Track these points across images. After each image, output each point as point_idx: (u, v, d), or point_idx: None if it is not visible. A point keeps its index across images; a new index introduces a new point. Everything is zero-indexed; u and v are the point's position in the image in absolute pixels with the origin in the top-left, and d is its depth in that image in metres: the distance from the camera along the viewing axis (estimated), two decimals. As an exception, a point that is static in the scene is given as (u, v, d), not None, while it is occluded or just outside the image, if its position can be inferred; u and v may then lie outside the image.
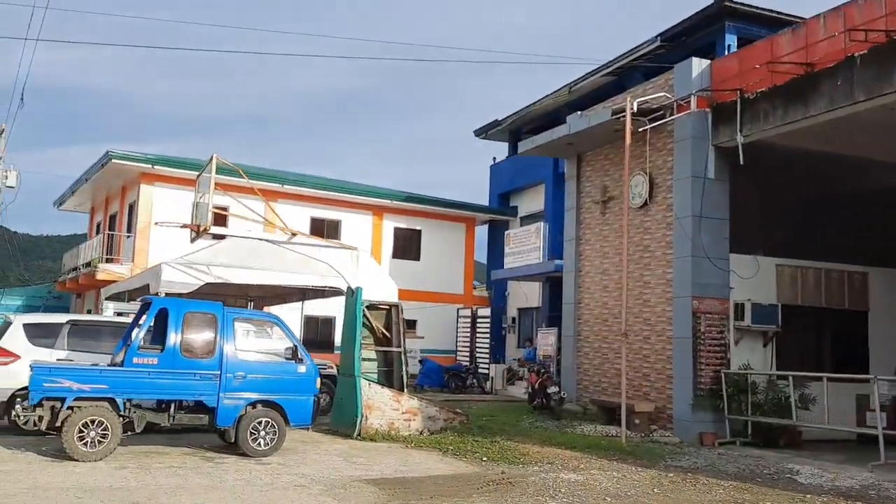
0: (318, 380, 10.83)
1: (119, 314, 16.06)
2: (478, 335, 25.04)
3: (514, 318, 26.46)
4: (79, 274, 24.36)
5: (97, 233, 27.03)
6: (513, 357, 23.29)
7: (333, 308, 19.35)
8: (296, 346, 10.67)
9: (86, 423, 9.17)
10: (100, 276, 21.72)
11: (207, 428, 10.30)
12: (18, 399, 10.72)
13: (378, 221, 26.06)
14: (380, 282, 13.78)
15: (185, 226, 12.86)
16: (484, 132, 28.45)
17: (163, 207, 21.76)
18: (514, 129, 27.64)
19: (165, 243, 20.92)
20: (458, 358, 25.42)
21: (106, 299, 17.42)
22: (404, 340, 13.50)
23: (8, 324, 11.86)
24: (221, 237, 13.92)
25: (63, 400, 9.22)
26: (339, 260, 13.60)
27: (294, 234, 13.72)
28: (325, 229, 23.82)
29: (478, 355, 24.73)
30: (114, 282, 19.19)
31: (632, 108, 12.72)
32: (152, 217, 21.98)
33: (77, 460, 9.05)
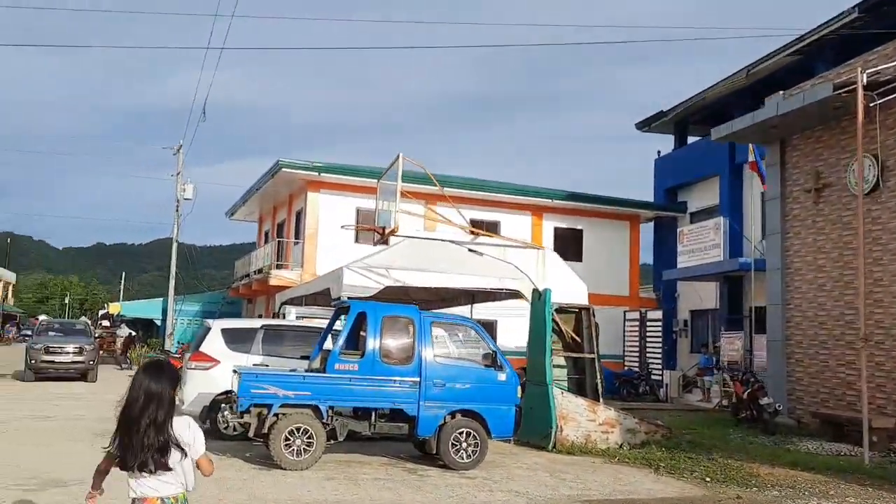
0: (520, 388, 10.13)
1: (300, 318, 16.19)
2: (648, 339, 23.58)
3: (685, 321, 24.73)
4: (251, 280, 25.28)
5: (266, 241, 28.01)
6: (698, 364, 21.75)
7: (496, 311, 18.66)
8: (495, 353, 10.01)
9: (292, 430, 8.93)
10: (272, 281, 22.32)
11: (407, 438, 9.84)
12: (222, 405, 10.83)
13: (537, 221, 25.17)
14: (568, 283, 12.93)
15: (369, 229, 12.65)
16: (647, 125, 26.90)
17: (328, 214, 22.05)
18: (681, 120, 25.99)
19: (331, 248, 21.18)
20: (627, 363, 24.06)
21: (282, 304, 17.66)
22: (598, 346, 12.54)
23: (207, 329, 12.00)
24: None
25: (269, 406, 9.03)
26: (524, 260, 12.86)
27: (477, 235, 13.17)
28: (483, 231, 23.20)
29: (649, 361, 23.27)
30: (285, 287, 19.52)
31: (862, 81, 11.02)
32: (319, 223, 22.34)
33: (284, 468, 8.82)
